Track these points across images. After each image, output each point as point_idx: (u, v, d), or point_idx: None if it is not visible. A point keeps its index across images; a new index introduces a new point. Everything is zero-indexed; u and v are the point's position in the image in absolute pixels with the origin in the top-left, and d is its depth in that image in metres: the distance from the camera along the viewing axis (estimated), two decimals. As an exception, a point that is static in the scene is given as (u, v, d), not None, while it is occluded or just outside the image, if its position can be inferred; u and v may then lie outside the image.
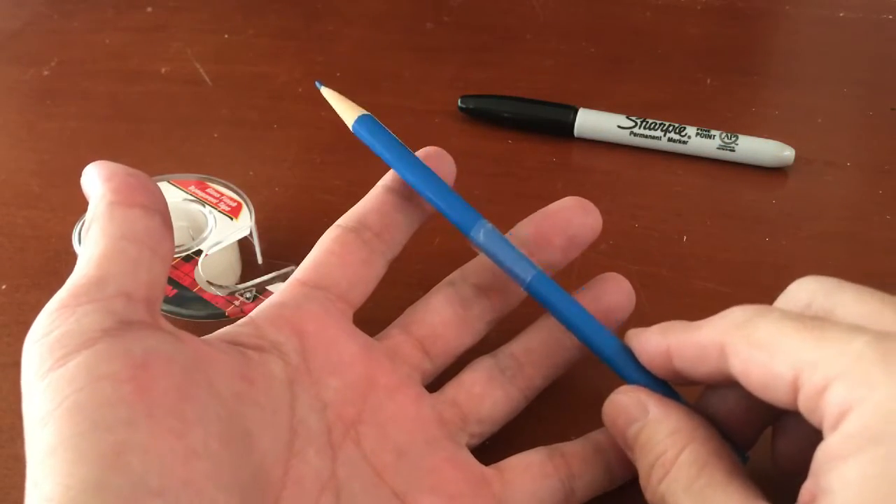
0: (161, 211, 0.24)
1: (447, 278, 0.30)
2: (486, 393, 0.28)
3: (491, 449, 0.28)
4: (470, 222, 0.27)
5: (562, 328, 0.29)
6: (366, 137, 0.29)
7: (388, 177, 0.29)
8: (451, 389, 0.28)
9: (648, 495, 0.24)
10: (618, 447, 0.27)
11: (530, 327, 0.30)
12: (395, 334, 0.29)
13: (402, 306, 0.30)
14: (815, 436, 0.20)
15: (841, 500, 0.19)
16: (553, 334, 0.29)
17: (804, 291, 0.23)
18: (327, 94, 0.30)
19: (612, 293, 0.29)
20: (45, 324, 0.21)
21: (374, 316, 0.29)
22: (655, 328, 0.25)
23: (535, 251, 0.29)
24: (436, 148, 0.30)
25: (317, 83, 0.30)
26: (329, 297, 0.27)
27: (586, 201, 0.30)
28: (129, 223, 0.23)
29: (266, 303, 0.27)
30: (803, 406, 0.20)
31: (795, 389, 0.20)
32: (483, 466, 0.27)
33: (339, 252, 0.28)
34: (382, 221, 0.29)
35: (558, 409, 0.30)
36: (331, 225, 0.29)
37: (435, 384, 0.29)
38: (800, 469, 0.21)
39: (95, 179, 0.24)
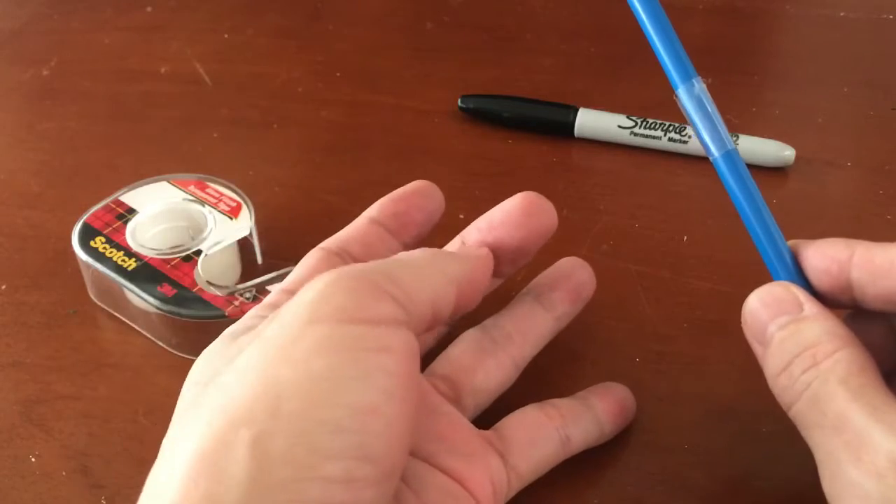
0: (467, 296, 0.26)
1: None
2: (477, 364, 0.29)
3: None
4: (683, 76, 0.27)
5: (540, 304, 0.30)
6: None
7: (375, 208, 0.30)
8: (440, 365, 0.29)
9: (779, 385, 0.23)
10: (606, 402, 0.29)
11: (512, 302, 0.31)
12: None
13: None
14: None
15: None
16: (534, 308, 0.30)
17: None
18: None
19: (580, 271, 0.31)
20: (372, 278, 0.23)
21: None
22: (836, 239, 0.25)
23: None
24: (426, 182, 0.30)
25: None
26: None
27: (539, 200, 0.29)
28: (452, 287, 0.25)
29: (256, 310, 0.27)
30: None
31: None
32: (482, 430, 0.28)
33: (325, 271, 0.28)
34: (365, 252, 0.29)
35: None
36: (330, 225, 0.29)
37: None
38: None
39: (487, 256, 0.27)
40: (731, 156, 0.26)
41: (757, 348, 0.25)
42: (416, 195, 0.30)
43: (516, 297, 0.31)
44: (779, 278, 0.26)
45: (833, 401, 0.22)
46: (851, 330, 0.24)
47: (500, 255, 0.29)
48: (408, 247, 0.30)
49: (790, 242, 0.26)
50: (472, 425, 0.28)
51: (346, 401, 0.20)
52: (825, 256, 0.25)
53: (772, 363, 0.24)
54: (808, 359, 0.23)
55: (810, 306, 0.24)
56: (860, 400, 0.21)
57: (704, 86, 0.27)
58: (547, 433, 0.28)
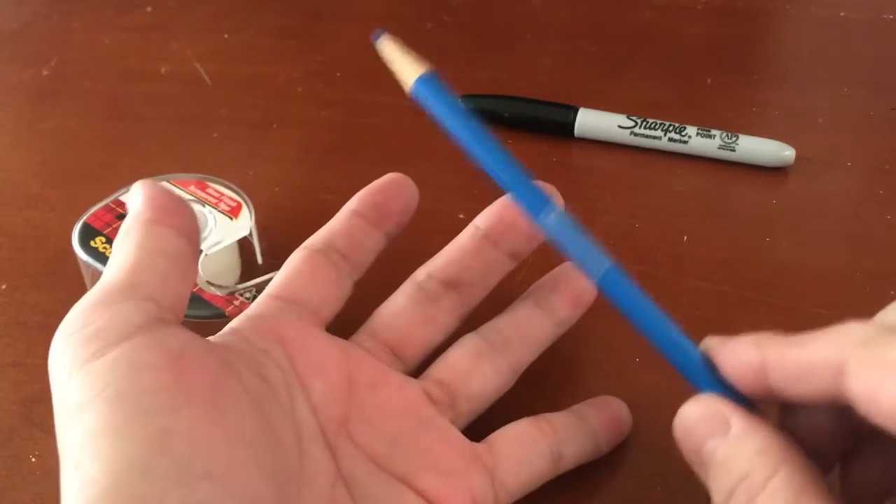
0: (191, 235, 0.25)
1: (413, 275, 0.30)
2: (474, 369, 0.29)
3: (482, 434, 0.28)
4: (539, 205, 0.26)
5: (540, 308, 0.30)
6: (427, 102, 0.28)
7: (355, 201, 0.30)
8: (437, 370, 0.29)
9: None
10: (602, 417, 0.28)
11: (512, 306, 0.31)
12: (363, 341, 0.29)
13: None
14: None
15: None
16: (534, 313, 0.30)
17: None
18: (387, 46, 0.30)
19: (580, 277, 0.30)
20: (78, 319, 0.22)
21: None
22: (746, 339, 0.23)
23: (500, 240, 0.30)
24: (399, 174, 0.31)
25: (376, 36, 0.29)
26: (302, 311, 0.28)
27: (546, 185, 0.30)
28: (162, 241, 0.24)
29: (242, 316, 0.28)
30: None
31: None
32: (473, 443, 0.27)
33: (309, 271, 0.29)
34: (349, 244, 0.29)
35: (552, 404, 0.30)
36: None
37: (419, 371, 0.29)
38: (875, 499, 0.20)
39: (138, 196, 0.25)
40: (614, 271, 0.25)
41: (698, 470, 0.23)
42: (393, 185, 0.30)
43: (516, 301, 0.31)
44: (701, 389, 0.23)
45: None
46: (790, 418, 0.23)
47: (517, 229, 0.29)
48: (390, 236, 0.30)
49: (702, 344, 0.24)
50: (462, 438, 0.27)
51: (140, 442, 0.20)
52: (738, 363, 0.23)
53: (714, 496, 0.22)
54: (744, 495, 0.21)
55: (737, 421, 0.22)
56: None
57: (560, 209, 0.26)
58: (539, 449, 0.27)
